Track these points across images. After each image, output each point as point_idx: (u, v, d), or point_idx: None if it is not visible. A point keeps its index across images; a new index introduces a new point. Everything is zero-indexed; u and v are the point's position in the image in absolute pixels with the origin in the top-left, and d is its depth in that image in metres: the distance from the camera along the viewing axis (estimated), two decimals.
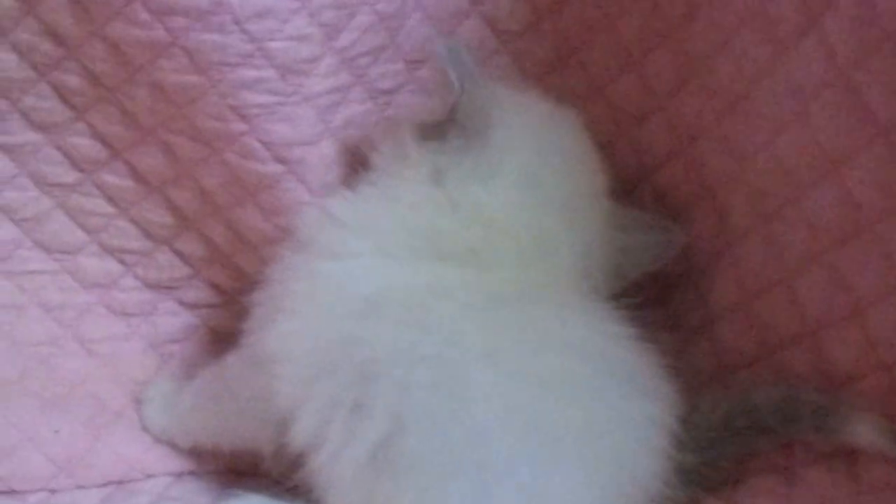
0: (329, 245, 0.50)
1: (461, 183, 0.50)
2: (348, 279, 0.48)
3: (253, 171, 0.54)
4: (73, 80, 0.56)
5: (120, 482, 0.58)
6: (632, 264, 0.54)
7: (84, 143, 0.57)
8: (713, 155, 0.56)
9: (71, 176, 0.58)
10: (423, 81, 0.59)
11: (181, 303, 0.62)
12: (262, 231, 0.56)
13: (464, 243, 0.49)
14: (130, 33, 0.52)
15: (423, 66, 0.59)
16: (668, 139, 0.59)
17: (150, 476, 0.59)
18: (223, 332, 0.61)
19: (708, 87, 0.55)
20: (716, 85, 0.54)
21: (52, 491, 0.56)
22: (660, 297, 0.60)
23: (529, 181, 0.50)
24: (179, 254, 0.60)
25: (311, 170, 0.54)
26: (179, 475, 0.59)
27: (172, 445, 0.59)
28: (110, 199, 0.59)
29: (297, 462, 0.47)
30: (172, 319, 0.62)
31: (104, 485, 0.58)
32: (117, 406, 0.60)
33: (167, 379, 0.60)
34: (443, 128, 0.51)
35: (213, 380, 0.55)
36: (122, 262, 0.61)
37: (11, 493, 0.55)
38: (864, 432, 0.45)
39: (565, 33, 0.61)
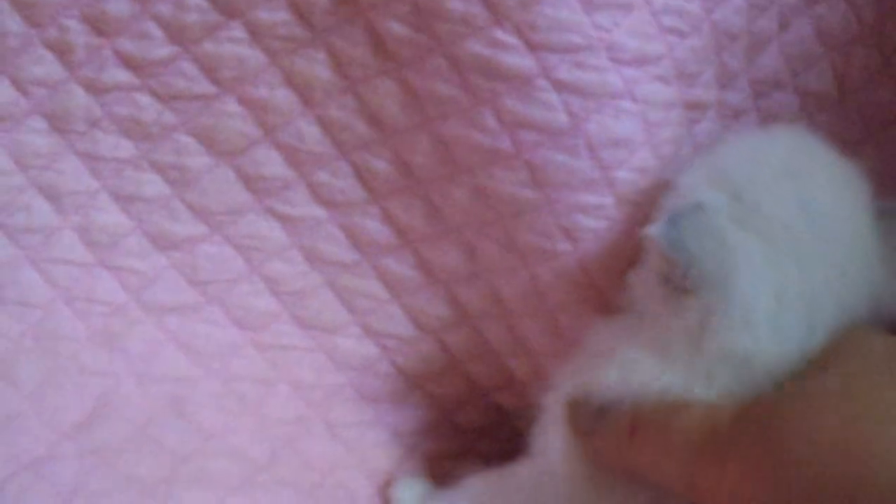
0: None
1: (725, 344, 0.43)
2: None
3: (564, 290, 0.52)
4: (379, 165, 0.53)
5: None
6: None
7: (373, 227, 0.55)
8: None
9: (349, 256, 0.56)
10: None
11: (432, 395, 0.61)
12: (549, 345, 0.55)
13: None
14: (469, 136, 0.50)
15: None
16: None
17: None
18: (466, 429, 0.60)
19: None
20: None
21: None
22: None
23: (791, 309, 0.43)
24: (444, 345, 0.59)
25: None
26: None
27: None
28: (386, 285, 0.57)
29: None
30: (420, 411, 0.61)
31: None
32: (366, 498, 0.59)
33: (418, 479, 0.59)
34: (683, 295, 0.44)
35: (497, 490, 0.54)
36: (381, 346, 0.59)
37: None
38: None
39: None
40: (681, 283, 0.44)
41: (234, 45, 0.51)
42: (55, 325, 0.55)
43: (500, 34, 0.47)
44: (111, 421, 0.55)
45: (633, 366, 0.46)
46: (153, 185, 0.55)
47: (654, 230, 0.44)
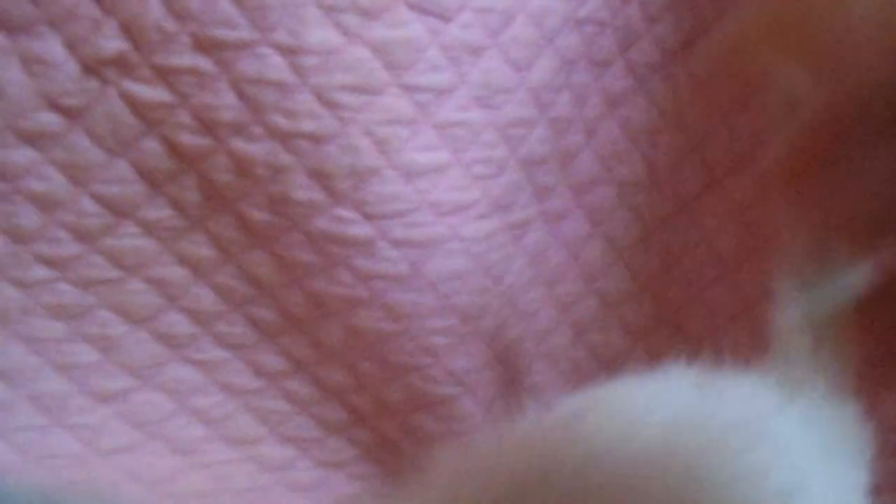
0: None
1: None
2: None
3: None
4: (267, 314, 0.65)
5: None
6: None
7: (271, 359, 0.67)
8: None
9: (255, 384, 0.68)
10: None
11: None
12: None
13: None
14: (331, 289, 0.62)
15: None
16: None
17: None
18: None
19: None
20: None
21: None
22: None
23: None
24: (351, 439, 0.72)
25: None
26: None
27: None
28: (291, 401, 0.69)
29: None
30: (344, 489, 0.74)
31: None
32: None
33: None
34: None
35: None
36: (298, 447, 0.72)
37: None
38: None
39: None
40: None
41: (131, 239, 0.63)
42: None
43: (341, 212, 0.59)
44: None
45: None
46: (86, 354, 0.67)
47: None
